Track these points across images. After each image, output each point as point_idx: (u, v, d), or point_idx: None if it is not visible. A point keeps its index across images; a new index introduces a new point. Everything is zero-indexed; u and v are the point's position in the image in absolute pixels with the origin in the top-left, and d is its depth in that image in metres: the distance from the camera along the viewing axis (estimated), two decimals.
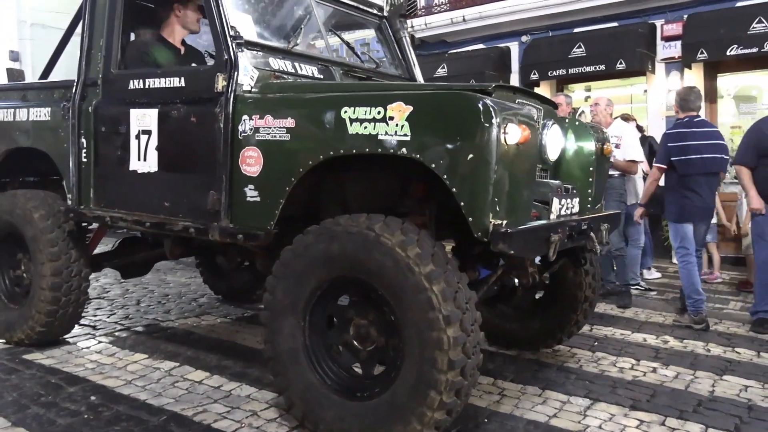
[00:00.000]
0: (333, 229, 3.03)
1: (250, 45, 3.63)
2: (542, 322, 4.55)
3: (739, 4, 9.96)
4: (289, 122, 3.29)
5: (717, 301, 6.97)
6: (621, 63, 10.43)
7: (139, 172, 3.91)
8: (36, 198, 4.47)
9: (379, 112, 3.00)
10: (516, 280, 3.91)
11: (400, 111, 2.95)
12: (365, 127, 3.04)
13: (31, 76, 17.51)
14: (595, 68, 10.72)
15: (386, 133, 2.97)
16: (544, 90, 11.85)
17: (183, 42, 4.42)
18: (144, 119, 3.86)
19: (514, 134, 2.87)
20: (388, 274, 2.85)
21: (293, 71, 3.81)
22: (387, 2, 4.96)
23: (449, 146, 2.85)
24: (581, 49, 10.89)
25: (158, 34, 4.39)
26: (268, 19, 4.16)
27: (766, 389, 4.16)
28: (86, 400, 3.73)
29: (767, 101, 10.59)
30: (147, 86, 3.89)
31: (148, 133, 3.85)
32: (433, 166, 2.88)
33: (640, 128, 9.21)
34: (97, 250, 5.01)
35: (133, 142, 3.92)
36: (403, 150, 2.93)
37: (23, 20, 17.57)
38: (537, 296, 4.58)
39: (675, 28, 10.46)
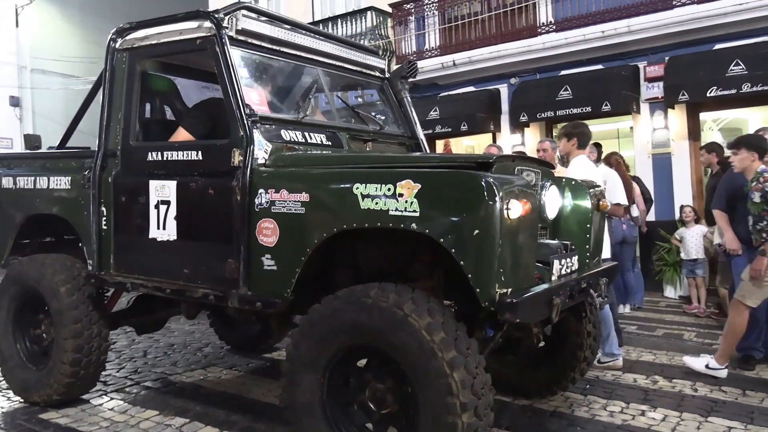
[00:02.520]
0: (363, 300, 3.14)
1: (264, 120, 3.79)
2: (540, 374, 4.69)
3: (717, 47, 10.23)
4: (304, 197, 3.44)
5: (706, 337, 7.10)
6: (606, 105, 10.67)
7: (158, 240, 4.05)
8: (63, 270, 4.53)
9: (389, 189, 3.16)
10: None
11: (408, 188, 3.11)
12: (376, 203, 3.19)
13: (32, 121, 17.79)
14: (582, 110, 10.95)
15: (396, 209, 3.12)
16: (533, 130, 12.11)
17: None
18: (163, 190, 4.01)
19: (516, 209, 3.04)
20: (413, 354, 2.97)
21: (304, 141, 3.97)
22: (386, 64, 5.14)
23: (456, 222, 3.01)
24: (568, 92, 11.14)
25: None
26: (278, 91, 4.33)
27: (749, 430, 4.27)
28: None
29: None
30: (165, 158, 4.04)
31: (167, 203, 3.99)
32: (442, 240, 3.03)
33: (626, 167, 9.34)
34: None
35: (152, 212, 4.06)
36: (413, 225, 3.08)
37: (23, 66, 17.80)
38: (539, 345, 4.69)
39: (657, 70, 10.72)
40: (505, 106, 12.45)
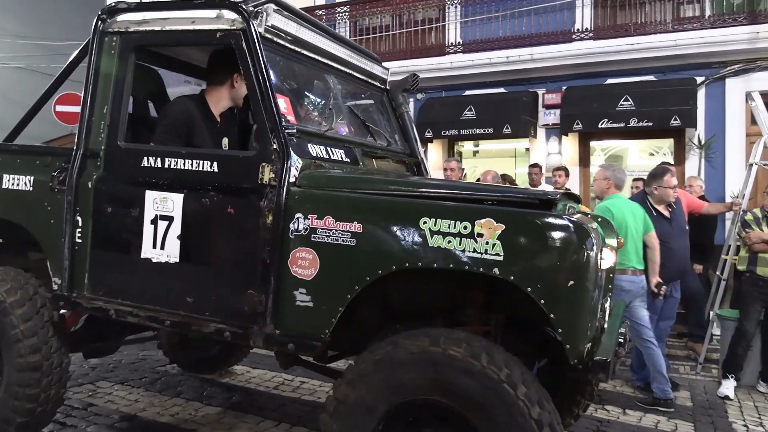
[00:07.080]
0: (448, 352, 2.53)
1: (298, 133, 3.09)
2: None
3: (608, 81, 10.41)
4: (356, 227, 2.78)
5: None
6: (507, 128, 10.60)
7: (153, 261, 3.19)
8: (16, 288, 3.53)
9: (465, 227, 2.60)
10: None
11: (490, 228, 2.58)
12: (449, 242, 2.62)
13: None
14: (484, 130, 10.85)
15: (475, 251, 2.58)
16: (436, 147, 11.81)
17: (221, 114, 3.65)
18: (165, 204, 3.17)
19: (608, 258, 2.63)
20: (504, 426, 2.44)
21: (327, 157, 3.30)
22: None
23: (548, 271, 2.51)
24: (472, 112, 10.95)
25: (202, 96, 3.60)
26: (298, 99, 3.61)
27: None
28: None
29: (631, 165, 11.20)
30: (167, 166, 3.19)
31: (169, 219, 3.15)
32: (529, 290, 2.52)
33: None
34: None
35: (147, 227, 3.20)
36: (495, 270, 2.55)
37: None
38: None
39: (555, 98, 10.79)
40: None
